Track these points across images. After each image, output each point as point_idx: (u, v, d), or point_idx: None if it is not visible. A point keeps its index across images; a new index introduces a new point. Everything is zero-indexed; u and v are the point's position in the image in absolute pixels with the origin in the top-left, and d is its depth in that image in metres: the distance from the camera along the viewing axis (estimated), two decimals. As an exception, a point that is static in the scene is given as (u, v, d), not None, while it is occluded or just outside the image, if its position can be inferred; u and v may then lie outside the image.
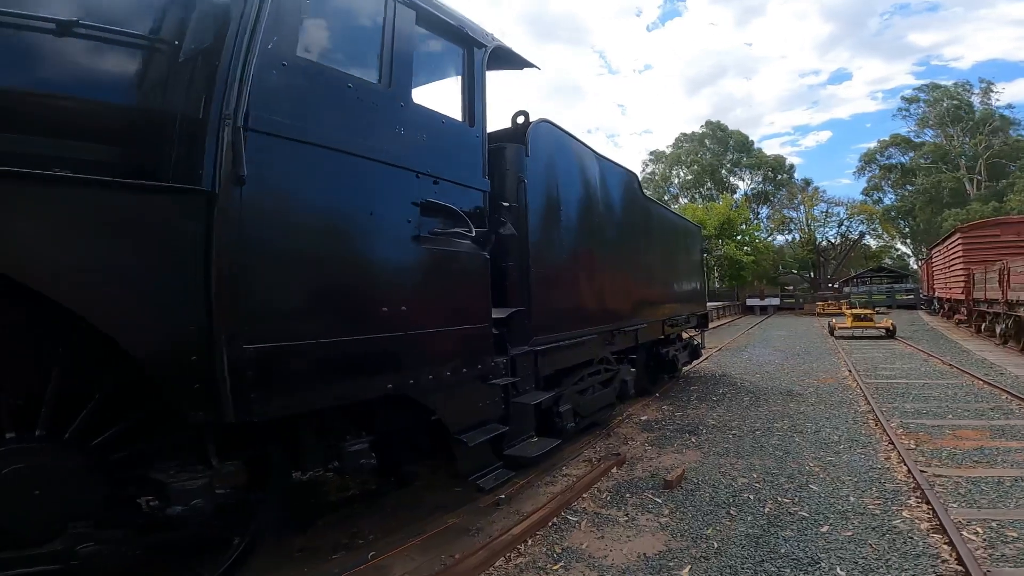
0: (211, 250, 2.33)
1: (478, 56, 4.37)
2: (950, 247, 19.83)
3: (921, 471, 5.24)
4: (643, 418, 7.78)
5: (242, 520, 3.12)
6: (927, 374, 10.86)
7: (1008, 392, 8.51)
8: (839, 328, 19.34)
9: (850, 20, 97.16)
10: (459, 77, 4.34)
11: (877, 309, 22.53)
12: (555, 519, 4.44)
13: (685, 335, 11.77)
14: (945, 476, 5.15)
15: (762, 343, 18.77)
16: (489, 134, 5.33)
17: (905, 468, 5.34)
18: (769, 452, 6.03)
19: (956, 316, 20.35)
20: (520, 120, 5.29)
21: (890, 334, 18.24)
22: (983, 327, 16.17)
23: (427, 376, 3.37)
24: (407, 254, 3.28)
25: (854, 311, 19.52)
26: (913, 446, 6.15)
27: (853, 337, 19.01)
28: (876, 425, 7.05)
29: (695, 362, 12.01)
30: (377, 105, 3.25)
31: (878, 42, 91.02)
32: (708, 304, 34.45)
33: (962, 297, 17.84)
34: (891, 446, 6.12)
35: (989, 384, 9.31)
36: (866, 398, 8.57)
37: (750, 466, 5.57)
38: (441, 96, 4.39)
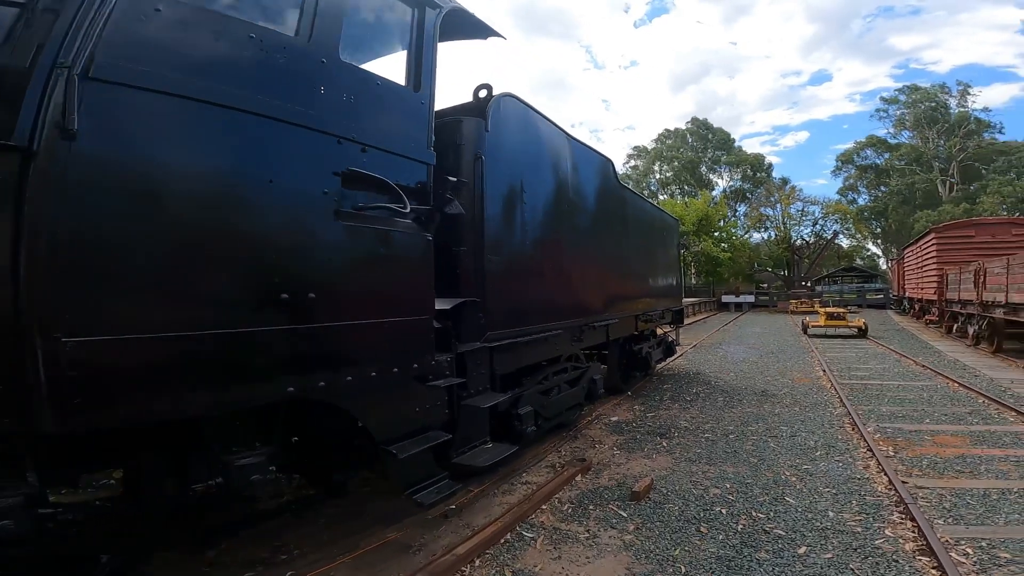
0: (22, 216, 1.78)
1: (430, 16, 3.82)
2: (924, 247, 19.91)
3: (903, 481, 4.91)
4: (613, 419, 7.37)
5: (115, 535, 2.58)
6: (901, 375, 10.69)
7: (985, 396, 8.32)
8: (812, 326, 19.32)
9: (835, 21, 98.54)
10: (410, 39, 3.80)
11: (849, 308, 22.62)
12: (509, 535, 3.98)
13: (660, 331, 11.45)
14: (928, 488, 4.83)
15: (737, 340, 18.63)
16: (447, 108, 4.83)
17: (886, 478, 5.01)
18: (743, 459, 5.66)
19: (927, 317, 20.49)
20: (483, 94, 4.76)
21: (862, 333, 18.25)
22: (955, 328, 16.22)
23: (345, 377, 2.84)
24: (319, 231, 2.74)
25: (827, 310, 19.51)
26: (892, 453, 5.85)
27: (826, 336, 18.99)
28: (853, 429, 6.75)
29: (669, 359, 11.67)
30: (290, 60, 2.70)
31: (860, 44, 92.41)
32: (684, 300, 34.33)
33: (934, 297, 17.91)
34: (869, 453, 5.80)
35: (965, 387, 9.14)
36: (841, 400, 8.31)
37: (723, 474, 5.18)
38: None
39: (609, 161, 7.56)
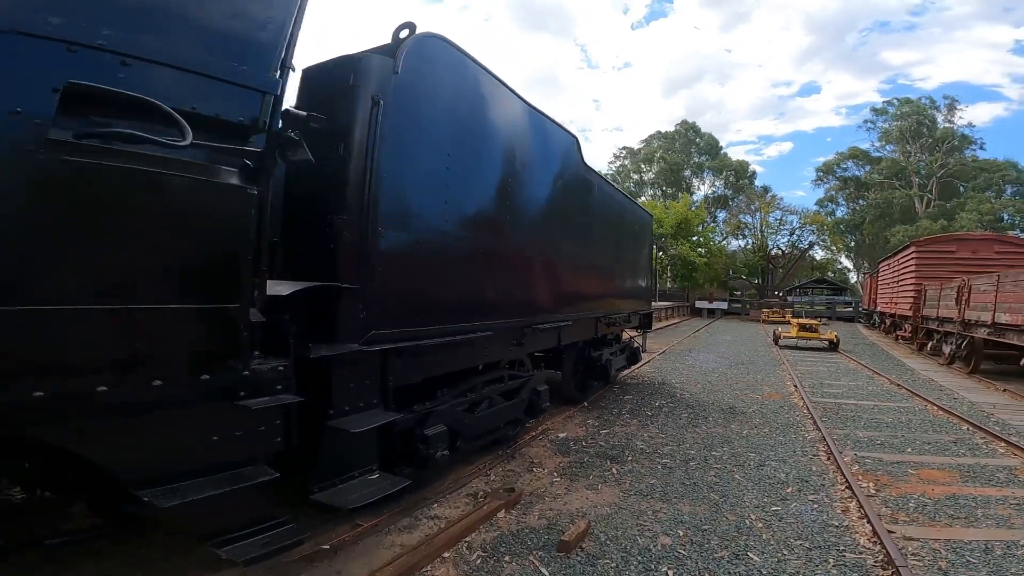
0: None
1: None
2: (901, 261, 19.47)
3: (889, 530, 4.08)
4: (561, 435, 6.44)
5: None
6: (876, 394, 10.00)
7: (969, 422, 7.63)
8: (784, 337, 18.75)
9: (830, 33, 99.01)
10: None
11: (820, 320, 22.15)
12: (391, 599, 3.02)
13: (626, 335, 10.58)
14: (919, 540, 4.00)
15: (707, 348, 17.94)
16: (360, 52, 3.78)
17: (869, 527, 4.16)
18: (703, 494, 4.77)
19: (898, 332, 20.11)
20: (403, 34, 3.74)
21: (833, 347, 17.74)
22: (929, 346, 15.74)
23: (33, 393, 1.78)
24: (9, 170, 1.71)
25: (800, 321, 18.96)
26: (874, 491, 5.04)
27: (797, 347, 18.45)
28: (828, 459, 5.93)
29: (633, 367, 10.79)
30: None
31: (853, 57, 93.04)
32: (658, 304, 33.77)
33: (909, 313, 17.46)
34: (848, 491, 4.98)
35: (945, 411, 8.46)
36: (815, 421, 7.52)
37: (677, 516, 4.28)
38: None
39: (574, 139, 6.61)
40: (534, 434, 6.32)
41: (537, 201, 5.53)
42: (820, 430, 7.01)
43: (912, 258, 17.79)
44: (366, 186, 2.97)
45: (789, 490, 4.97)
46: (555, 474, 5.14)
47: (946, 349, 14.02)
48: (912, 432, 7.21)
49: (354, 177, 2.98)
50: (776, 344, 18.99)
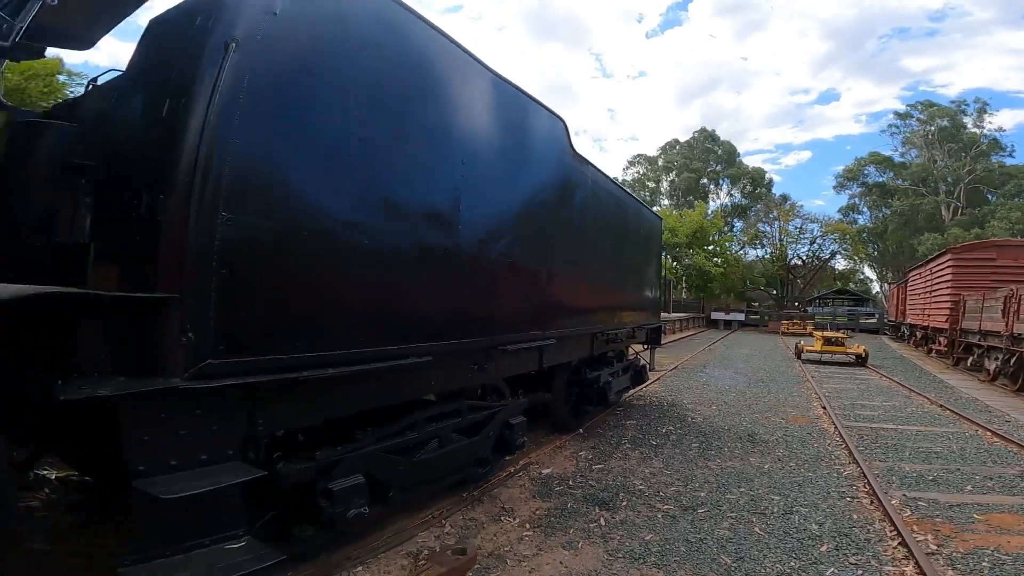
0: None
1: None
2: (935, 270, 18.06)
3: (964, 616, 3.03)
4: (545, 471, 5.42)
5: None
6: (917, 418, 8.80)
7: (1035, 454, 6.46)
8: (807, 351, 17.47)
9: (849, 40, 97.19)
10: None
11: (844, 332, 20.71)
12: None
13: (632, 350, 9.54)
14: (1008, 633, 2.94)
15: (723, 363, 16.74)
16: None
17: (938, 612, 3.11)
18: (712, 556, 3.73)
19: (932, 346, 18.68)
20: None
21: (861, 361, 16.44)
22: (969, 361, 14.38)
23: None
24: None
25: (825, 334, 17.65)
26: (935, 546, 3.97)
27: (821, 362, 17.16)
28: (871, 502, 4.85)
29: (637, 387, 9.67)
30: None
31: (872, 64, 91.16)
32: (670, 315, 32.46)
33: (945, 325, 16.08)
34: (902, 547, 3.91)
35: (1002, 437, 7.27)
36: (850, 452, 6.39)
37: (677, 593, 3.26)
38: None
39: (561, 122, 5.68)
40: (513, 470, 5.33)
41: (506, 192, 4.59)
42: (858, 463, 5.90)
43: (948, 266, 16.41)
44: (199, 155, 2.05)
45: (824, 548, 3.91)
46: (528, 525, 4.14)
47: (990, 365, 12.68)
48: (968, 464, 6.07)
49: (182, 144, 2.07)
50: (798, 358, 17.73)
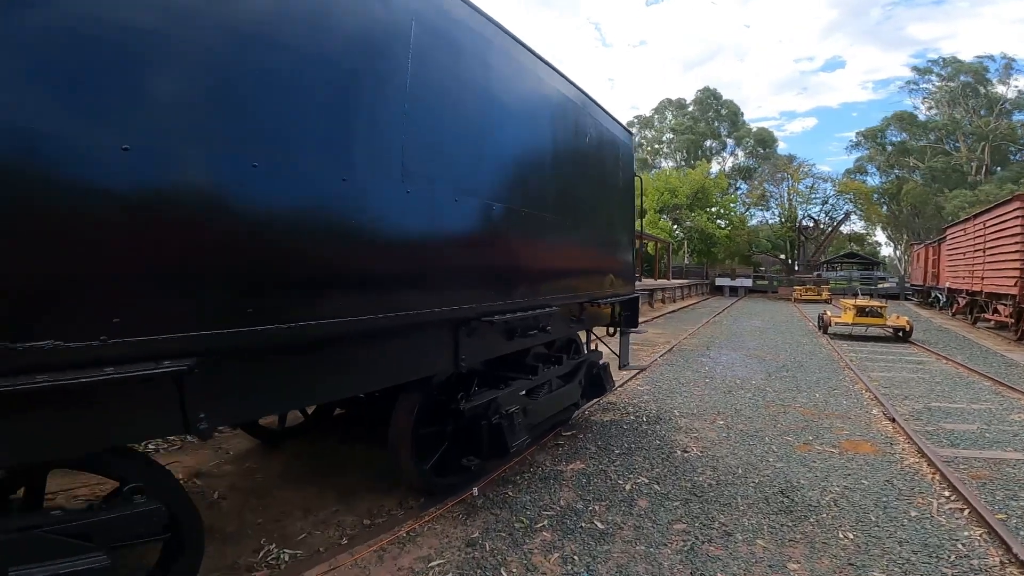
0: None
1: None
2: (993, 224, 14.48)
3: None
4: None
5: None
6: (1042, 435, 5.53)
7: None
8: (836, 323, 14.13)
9: (853, 7, 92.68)
10: None
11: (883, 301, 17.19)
12: None
13: (589, 345, 6.16)
14: None
15: (731, 341, 13.39)
16: None
17: None
18: None
19: (985, 315, 15.30)
20: None
21: (905, 336, 13.15)
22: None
23: None
24: None
25: (858, 302, 14.22)
26: None
27: (851, 336, 13.87)
28: None
29: (589, 403, 6.15)
30: None
31: (878, 31, 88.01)
32: (671, 282, 28.55)
33: (1013, 291, 12.66)
34: None
35: None
36: (991, 530, 3.14)
37: None
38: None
39: None
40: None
41: None
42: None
43: (1017, 216, 12.87)
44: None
45: None
46: None
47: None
48: None
49: None
50: (824, 332, 14.44)
